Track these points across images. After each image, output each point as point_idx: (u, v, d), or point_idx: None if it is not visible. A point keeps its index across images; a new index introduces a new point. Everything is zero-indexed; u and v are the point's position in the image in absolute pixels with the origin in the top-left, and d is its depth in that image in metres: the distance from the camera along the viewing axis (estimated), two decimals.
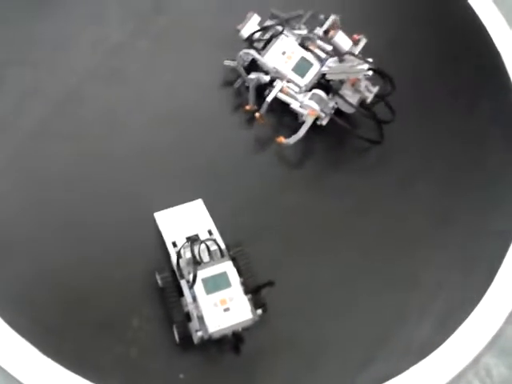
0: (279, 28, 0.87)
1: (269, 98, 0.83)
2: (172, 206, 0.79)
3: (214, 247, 0.73)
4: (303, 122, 0.83)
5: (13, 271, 0.74)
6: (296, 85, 0.84)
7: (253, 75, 0.85)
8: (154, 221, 0.78)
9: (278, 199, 0.82)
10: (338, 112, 0.84)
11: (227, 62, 0.86)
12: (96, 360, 0.71)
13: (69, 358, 0.70)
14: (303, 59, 0.86)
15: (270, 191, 0.83)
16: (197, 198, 0.79)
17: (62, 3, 0.91)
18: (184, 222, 0.77)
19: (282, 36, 0.86)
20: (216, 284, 0.70)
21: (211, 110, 0.86)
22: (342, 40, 0.81)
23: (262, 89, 0.85)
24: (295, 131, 0.83)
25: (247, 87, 0.85)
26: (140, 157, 0.83)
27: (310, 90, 0.83)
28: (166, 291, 0.72)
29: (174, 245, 0.75)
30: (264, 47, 0.86)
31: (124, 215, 0.78)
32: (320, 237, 0.80)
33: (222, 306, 0.69)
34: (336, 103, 0.83)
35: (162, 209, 0.78)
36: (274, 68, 0.84)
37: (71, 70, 0.86)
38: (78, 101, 0.85)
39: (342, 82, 0.83)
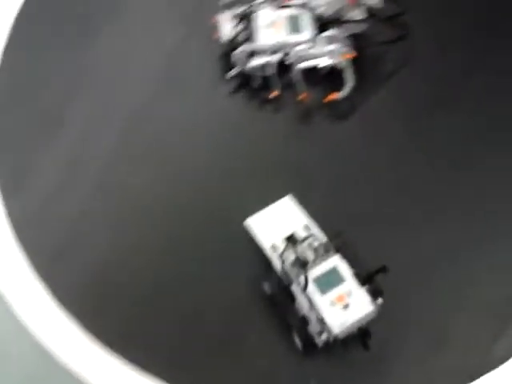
0: (249, 10, 0.81)
1: (296, 76, 0.78)
2: (261, 209, 0.75)
3: (315, 243, 0.69)
4: (328, 73, 0.79)
5: (115, 302, 0.72)
6: (304, 43, 0.80)
7: (259, 60, 0.79)
8: (244, 229, 0.74)
9: (363, 177, 0.78)
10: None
11: (230, 74, 0.82)
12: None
13: None
14: (291, 18, 0.81)
15: (352, 171, 0.79)
16: (283, 196, 0.76)
17: (101, 33, 0.88)
18: (278, 223, 0.73)
19: (256, 14, 0.81)
20: (329, 281, 0.66)
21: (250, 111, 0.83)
22: None
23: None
24: (319, 85, 0.79)
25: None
26: (215, 166, 0.79)
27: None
28: (277, 298, 0.69)
29: (274, 249, 0.71)
30: (247, 37, 0.81)
31: (215, 228, 0.75)
32: (417, 208, 0.76)
33: (340, 304, 0.65)
34: (346, 30, 0.80)
35: (251, 214, 0.75)
36: (277, 43, 0.79)
37: (131, 90, 0.84)
38: (145, 119, 0.82)
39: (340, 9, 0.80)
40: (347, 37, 0.81)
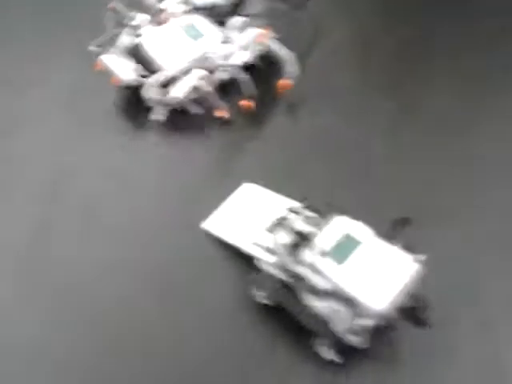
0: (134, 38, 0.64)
1: (239, 76, 0.63)
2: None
3: (310, 215, 0.51)
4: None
5: None
6: (216, 43, 0.65)
7: (184, 84, 0.62)
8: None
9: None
10: None
11: (155, 115, 0.63)
12: None
13: None
14: (186, 27, 0.65)
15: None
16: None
17: None
18: (246, 214, 0.55)
19: (142, 39, 0.64)
20: (345, 248, 0.48)
21: None
22: None
23: None
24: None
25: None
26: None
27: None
28: (286, 301, 0.50)
29: (256, 245, 0.53)
30: (148, 69, 0.63)
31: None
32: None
33: (369, 271, 0.46)
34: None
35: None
36: (192, 60, 0.63)
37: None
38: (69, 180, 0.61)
39: None
40: (255, 16, 0.67)
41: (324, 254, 0.47)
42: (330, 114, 0.64)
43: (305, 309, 0.49)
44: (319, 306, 0.48)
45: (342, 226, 0.49)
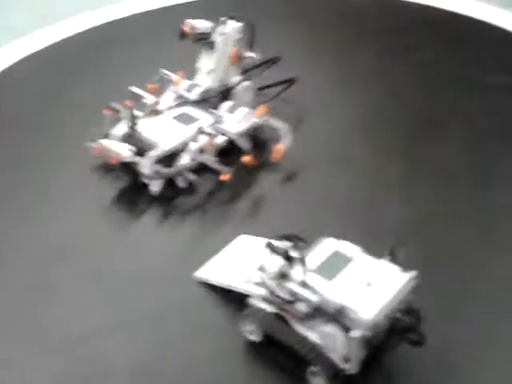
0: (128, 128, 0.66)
1: (238, 139, 0.67)
2: None
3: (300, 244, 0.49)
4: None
5: None
6: (210, 124, 0.67)
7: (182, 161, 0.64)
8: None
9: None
10: None
11: (153, 190, 0.64)
12: None
13: None
14: (180, 116, 0.68)
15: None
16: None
17: None
18: (239, 262, 0.54)
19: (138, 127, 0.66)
20: (333, 266, 0.46)
21: None
22: None
23: None
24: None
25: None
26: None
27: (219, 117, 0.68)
28: (276, 333, 0.47)
29: (248, 280, 0.51)
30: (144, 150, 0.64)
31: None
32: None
33: (361, 283, 0.44)
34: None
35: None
36: (186, 138, 0.65)
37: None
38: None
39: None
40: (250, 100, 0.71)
41: (313, 271, 0.45)
42: (342, 176, 0.66)
43: (297, 338, 0.46)
44: (311, 334, 0.45)
45: (330, 245, 0.47)
